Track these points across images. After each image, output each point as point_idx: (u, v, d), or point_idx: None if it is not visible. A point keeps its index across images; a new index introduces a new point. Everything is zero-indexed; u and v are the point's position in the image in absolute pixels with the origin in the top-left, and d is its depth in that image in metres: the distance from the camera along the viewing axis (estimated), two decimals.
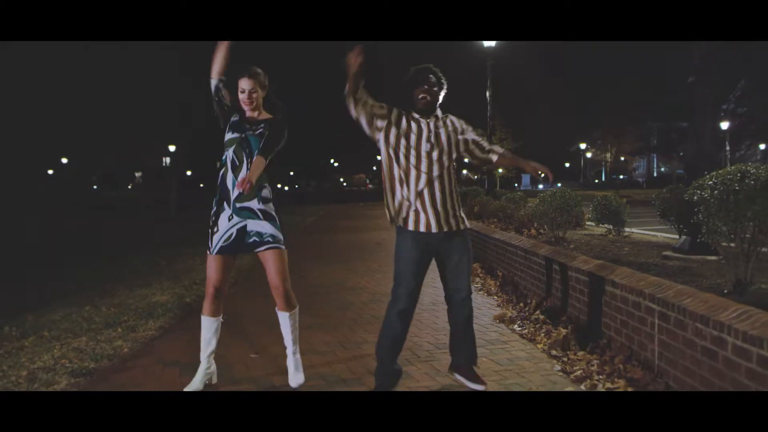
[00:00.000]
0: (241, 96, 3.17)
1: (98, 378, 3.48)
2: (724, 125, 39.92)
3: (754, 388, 2.30)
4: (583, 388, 3.15)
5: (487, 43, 14.57)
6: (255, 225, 3.13)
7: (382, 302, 5.49)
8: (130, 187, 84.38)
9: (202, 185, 73.94)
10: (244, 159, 3.11)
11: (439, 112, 3.12)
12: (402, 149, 3.00)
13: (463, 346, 3.18)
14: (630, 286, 3.35)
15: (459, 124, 3.16)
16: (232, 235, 3.12)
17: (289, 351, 3.31)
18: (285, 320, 3.27)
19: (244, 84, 3.15)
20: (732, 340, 2.42)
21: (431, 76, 3.05)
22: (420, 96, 3.03)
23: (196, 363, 3.26)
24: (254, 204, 3.13)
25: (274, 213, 3.19)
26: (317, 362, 3.68)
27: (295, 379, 3.26)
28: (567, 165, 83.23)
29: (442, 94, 3.11)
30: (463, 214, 3.12)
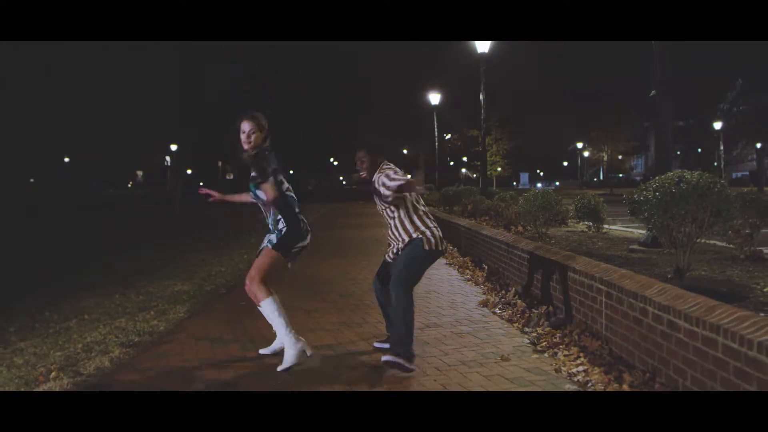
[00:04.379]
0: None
1: (143, 349, 4.17)
2: (718, 125, 40.63)
3: (666, 347, 2.98)
4: (546, 356, 3.83)
5: (480, 48, 14.55)
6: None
7: None
8: (130, 185, 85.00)
9: (201, 183, 74.48)
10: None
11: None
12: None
13: None
14: (586, 271, 4.04)
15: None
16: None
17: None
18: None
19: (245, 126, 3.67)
20: (652, 309, 3.10)
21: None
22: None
23: (224, 338, 3.92)
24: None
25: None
26: (326, 337, 4.36)
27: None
28: (565, 164, 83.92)
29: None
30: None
